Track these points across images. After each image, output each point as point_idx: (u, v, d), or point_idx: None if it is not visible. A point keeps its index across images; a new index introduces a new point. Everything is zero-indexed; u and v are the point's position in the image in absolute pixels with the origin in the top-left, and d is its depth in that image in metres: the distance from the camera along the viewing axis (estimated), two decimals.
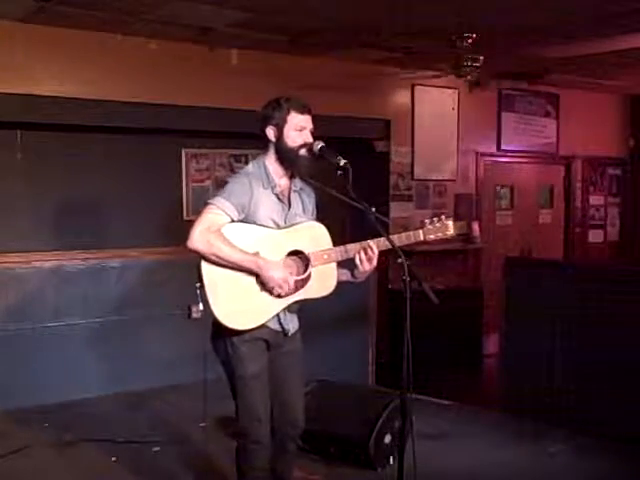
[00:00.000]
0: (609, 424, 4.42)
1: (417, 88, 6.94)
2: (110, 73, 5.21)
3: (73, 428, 4.55)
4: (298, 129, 2.82)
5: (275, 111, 2.83)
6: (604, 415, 4.48)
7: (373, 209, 2.76)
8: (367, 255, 2.79)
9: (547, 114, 8.00)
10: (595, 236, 8.68)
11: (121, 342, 5.44)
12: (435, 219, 2.85)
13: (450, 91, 7.13)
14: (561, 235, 8.41)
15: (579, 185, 8.45)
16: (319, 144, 2.85)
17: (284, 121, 2.82)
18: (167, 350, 5.51)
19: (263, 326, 2.79)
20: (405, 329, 2.53)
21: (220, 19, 4.85)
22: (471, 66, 5.61)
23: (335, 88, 6.15)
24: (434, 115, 7.08)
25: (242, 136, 5.77)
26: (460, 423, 4.88)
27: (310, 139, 2.83)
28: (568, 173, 8.37)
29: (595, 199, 8.67)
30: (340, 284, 2.90)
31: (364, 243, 2.79)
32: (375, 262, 2.81)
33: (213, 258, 2.66)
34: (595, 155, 8.47)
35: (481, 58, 5.58)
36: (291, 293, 2.77)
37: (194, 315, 6.02)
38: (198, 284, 2.71)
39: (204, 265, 2.68)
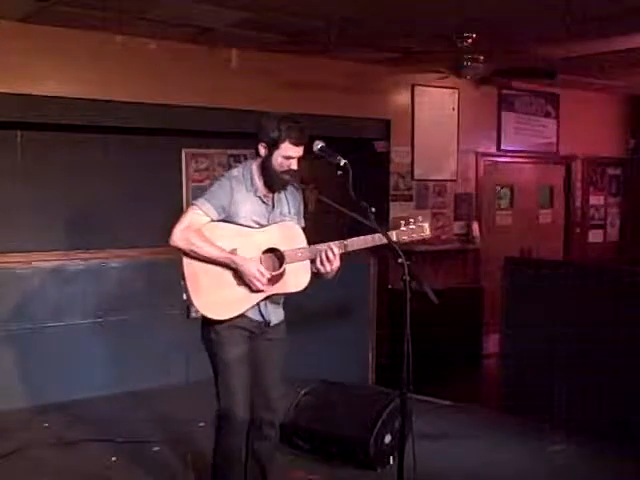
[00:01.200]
0: (609, 424, 4.42)
1: (417, 88, 6.94)
2: (110, 73, 5.22)
3: (73, 428, 4.55)
4: (287, 157, 2.92)
5: (271, 132, 2.90)
6: (604, 415, 4.48)
7: (373, 209, 2.77)
8: (327, 257, 2.90)
9: (547, 114, 8.00)
10: (595, 236, 8.68)
11: (121, 342, 5.44)
12: (412, 220, 2.91)
13: (450, 91, 7.13)
14: (561, 235, 8.41)
15: (579, 185, 8.45)
16: (319, 144, 2.90)
17: (276, 147, 2.91)
18: (167, 350, 5.51)
19: (244, 316, 2.97)
20: (405, 329, 2.54)
21: (220, 19, 4.85)
22: (471, 66, 5.61)
23: (335, 88, 6.15)
24: (434, 115, 7.08)
25: (242, 136, 5.77)
26: (460, 423, 4.88)
27: (295, 167, 2.95)
28: (568, 173, 8.36)
29: (595, 199, 8.66)
30: (326, 282, 3.01)
31: (330, 244, 2.90)
32: (336, 264, 2.91)
33: (192, 254, 2.90)
34: (595, 155, 8.46)
35: (481, 58, 5.58)
36: (268, 287, 2.92)
37: (193, 315, 6.03)
38: (181, 277, 2.94)
39: (185, 260, 2.93)
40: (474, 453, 4.26)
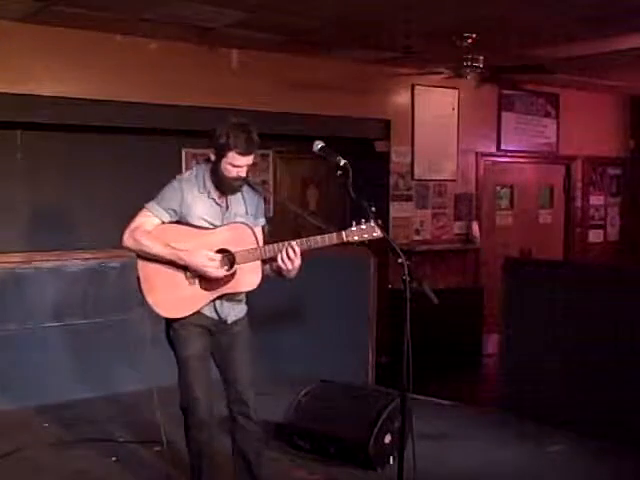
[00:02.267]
0: (609, 424, 4.42)
1: (417, 88, 6.94)
2: (110, 73, 5.22)
3: (73, 428, 4.55)
4: (234, 165, 2.95)
5: (220, 140, 2.95)
6: (604, 415, 4.48)
7: (373, 209, 2.78)
8: (288, 255, 2.91)
9: (547, 114, 8.00)
10: (595, 236, 8.68)
11: (121, 342, 5.44)
12: (363, 220, 2.90)
13: (450, 91, 7.13)
14: (561, 235, 8.41)
15: (579, 185, 8.45)
16: (319, 144, 2.90)
17: (223, 155, 2.96)
18: (167, 350, 5.50)
19: (199, 313, 3.04)
20: (405, 329, 2.54)
21: (220, 19, 4.85)
22: (471, 66, 5.61)
23: (335, 88, 6.15)
24: (434, 115, 7.08)
25: None
26: (460, 423, 4.88)
27: (243, 174, 2.98)
28: (568, 173, 8.37)
29: (595, 199, 8.67)
30: (271, 279, 3.08)
31: (285, 243, 2.93)
32: (298, 262, 2.93)
33: (142, 254, 3.03)
34: (595, 155, 8.47)
35: (481, 58, 5.58)
36: (220, 286, 2.98)
37: None
38: (137, 278, 3.09)
39: (139, 261, 3.08)
40: (474, 453, 4.26)
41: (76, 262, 5.38)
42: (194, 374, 3.09)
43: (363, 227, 2.89)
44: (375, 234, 2.90)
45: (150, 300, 3.04)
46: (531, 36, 5.40)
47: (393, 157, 6.88)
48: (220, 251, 2.98)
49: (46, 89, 5.00)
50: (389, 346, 6.38)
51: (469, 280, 7.45)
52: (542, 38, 5.46)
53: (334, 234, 2.88)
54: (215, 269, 2.93)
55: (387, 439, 3.95)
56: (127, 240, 3.04)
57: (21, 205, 5.39)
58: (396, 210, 6.83)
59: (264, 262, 3.02)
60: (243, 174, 2.98)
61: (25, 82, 4.92)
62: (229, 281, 2.99)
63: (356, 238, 2.90)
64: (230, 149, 2.92)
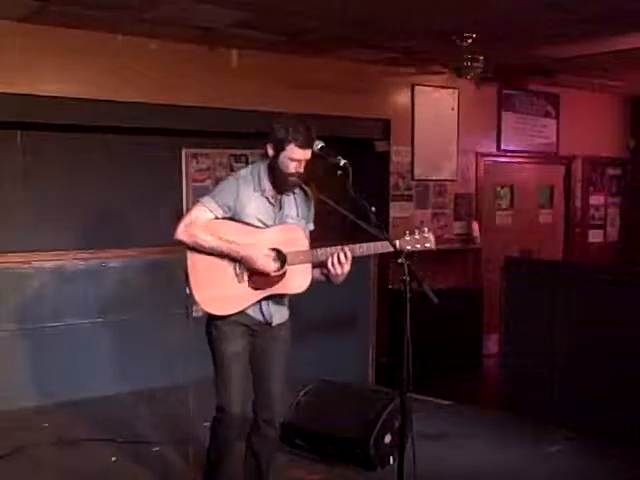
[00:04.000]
0: (609, 424, 4.42)
1: (417, 88, 6.93)
2: (110, 73, 5.21)
3: (73, 428, 4.55)
4: (292, 159, 2.94)
5: (279, 134, 2.93)
6: (604, 415, 4.48)
7: (373, 209, 2.78)
8: (339, 260, 2.91)
9: (547, 114, 7.99)
10: (595, 236, 8.67)
11: (121, 342, 5.44)
12: (417, 230, 2.92)
13: (450, 91, 7.13)
14: (561, 235, 8.40)
15: (579, 185, 8.44)
16: (319, 144, 2.92)
17: (282, 148, 2.94)
18: (167, 350, 5.51)
19: (245, 313, 3.03)
20: (405, 329, 2.54)
21: (220, 19, 4.84)
22: (471, 66, 5.61)
23: (335, 88, 6.14)
24: (434, 115, 7.08)
25: (242, 136, 5.78)
26: (460, 423, 4.88)
27: (301, 170, 2.98)
28: (568, 173, 8.36)
29: (595, 199, 8.66)
30: (319, 283, 3.07)
31: (338, 248, 2.93)
32: (347, 267, 2.94)
33: (196, 247, 2.96)
34: (595, 155, 8.46)
35: (481, 58, 5.58)
36: (268, 286, 2.97)
37: (194, 314, 6.02)
38: (185, 272, 3.00)
39: (189, 254, 3.00)
40: (474, 453, 4.26)
41: (76, 262, 5.39)
42: (233, 373, 3.06)
43: (417, 237, 2.90)
44: (428, 244, 2.92)
45: (198, 296, 3.00)
46: (531, 36, 5.40)
47: (393, 157, 6.87)
48: (271, 250, 2.97)
49: (46, 89, 5.00)
50: (389, 346, 6.38)
51: (469, 280, 7.45)
52: (542, 38, 5.46)
53: (387, 242, 2.86)
54: (268, 264, 2.93)
55: (387, 439, 3.95)
56: (182, 234, 2.98)
57: (21, 205, 5.39)
58: (396, 210, 6.83)
59: (313, 266, 3.02)
60: (301, 169, 2.97)
61: (25, 82, 4.91)
62: (278, 282, 2.99)
63: (409, 247, 2.89)
64: (290, 142, 2.91)
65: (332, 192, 2.97)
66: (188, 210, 3.07)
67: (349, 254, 2.91)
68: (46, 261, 5.28)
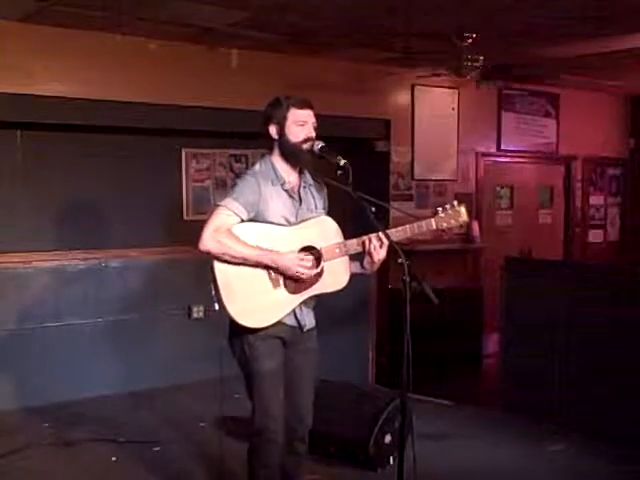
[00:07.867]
0: (609, 424, 4.42)
1: (417, 88, 6.93)
2: (110, 73, 5.21)
3: (73, 428, 4.55)
4: (300, 124, 2.86)
5: (275, 109, 2.88)
6: (604, 415, 4.48)
7: (373, 209, 2.77)
8: (380, 242, 2.79)
9: (547, 114, 8.00)
10: (595, 236, 8.67)
11: (121, 342, 5.44)
12: (447, 206, 2.82)
13: (450, 91, 7.13)
14: (561, 235, 8.41)
15: (579, 185, 8.45)
16: (319, 144, 2.87)
17: (285, 118, 2.86)
18: (167, 350, 5.52)
19: (279, 323, 2.81)
20: (405, 329, 2.54)
21: (220, 19, 4.85)
22: (471, 66, 5.60)
23: (335, 88, 6.15)
24: (434, 115, 7.08)
25: (242, 136, 5.78)
26: (460, 423, 4.88)
27: (312, 133, 2.87)
28: (568, 173, 8.36)
29: (595, 199, 8.67)
30: (352, 277, 2.92)
31: (376, 234, 2.80)
32: (384, 253, 2.81)
33: (226, 257, 2.69)
34: (595, 155, 8.46)
35: (481, 58, 5.57)
36: (307, 287, 2.79)
37: (194, 315, 6.03)
38: (212, 285, 2.73)
39: (217, 265, 2.71)
40: (474, 453, 4.26)
41: (76, 262, 5.39)
42: (273, 392, 2.84)
43: (450, 212, 2.80)
44: (461, 219, 2.82)
45: (232, 310, 2.71)
46: (531, 36, 5.40)
47: (393, 157, 6.87)
48: (304, 249, 2.80)
49: (46, 89, 5.00)
50: (389, 346, 6.38)
51: (469, 280, 7.45)
52: (542, 38, 5.46)
53: (424, 222, 2.77)
54: (308, 270, 2.75)
55: (387, 439, 3.95)
56: (208, 243, 2.68)
57: (21, 205, 5.38)
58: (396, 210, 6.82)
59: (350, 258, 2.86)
60: (312, 133, 2.85)
61: (25, 82, 4.91)
62: (316, 281, 2.80)
63: (445, 225, 2.82)
64: (288, 108, 2.84)
65: (332, 192, 2.96)
66: (209, 217, 2.76)
67: (385, 240, 2.78)
68: (46, 261, 5.28)
